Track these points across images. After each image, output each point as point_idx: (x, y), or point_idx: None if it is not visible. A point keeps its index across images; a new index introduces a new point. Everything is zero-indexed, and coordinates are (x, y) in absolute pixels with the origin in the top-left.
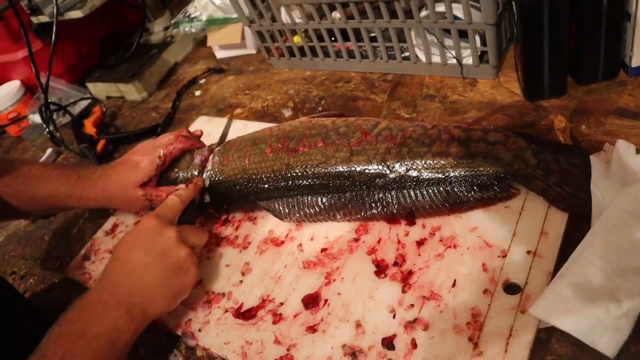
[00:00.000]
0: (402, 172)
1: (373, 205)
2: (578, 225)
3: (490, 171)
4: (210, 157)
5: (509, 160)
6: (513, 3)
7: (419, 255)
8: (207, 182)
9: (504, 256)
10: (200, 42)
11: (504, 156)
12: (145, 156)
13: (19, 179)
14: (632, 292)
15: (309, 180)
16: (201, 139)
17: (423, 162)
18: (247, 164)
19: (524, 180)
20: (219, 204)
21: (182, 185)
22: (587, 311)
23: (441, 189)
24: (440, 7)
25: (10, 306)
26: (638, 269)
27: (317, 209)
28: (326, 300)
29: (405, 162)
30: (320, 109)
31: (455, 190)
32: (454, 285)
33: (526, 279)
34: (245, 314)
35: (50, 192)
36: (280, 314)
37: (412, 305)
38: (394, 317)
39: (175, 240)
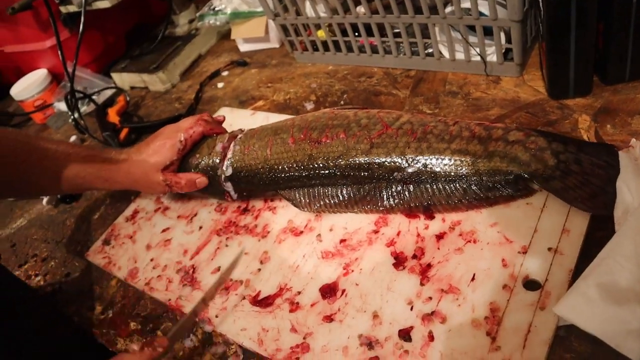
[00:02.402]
0: (420, 167)
1: (391, 198)
2: (600, 223)
3: (508, 171)
4: (232, 145)
5: (527, 161)
6: (540, 0)
7: (438, 248)
8: (230, 171)
9: (525, 252)
10: (224, 35)
11: (521, 156)
12: (167, 140)
13: (46, 160)
14: None
15: (330, 171)
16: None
17: (441, 158)
18: (268, 154)
19: (542, 180)
20: (240, 192)
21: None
22: (613, 313)
23: (458, 186)
24: (466, 4)
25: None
26: None
27: (337, 200)
28: (344, 291)
29: (424, 157)
30: (342, 102)
31: (473, 188)
32: (473, 279)
33: (546, 276)
34: (263, 302)
35: (78, 173)
36: (298, 303)
37: (430, 298)
38: (411, 309)
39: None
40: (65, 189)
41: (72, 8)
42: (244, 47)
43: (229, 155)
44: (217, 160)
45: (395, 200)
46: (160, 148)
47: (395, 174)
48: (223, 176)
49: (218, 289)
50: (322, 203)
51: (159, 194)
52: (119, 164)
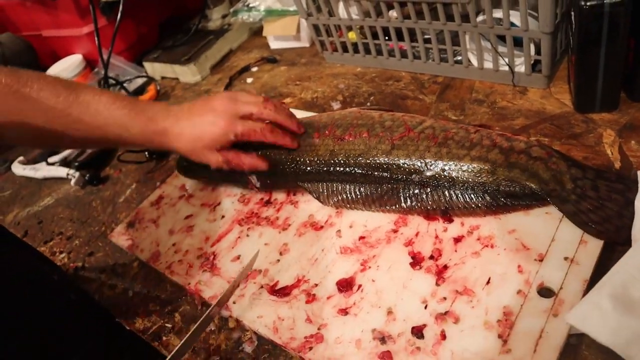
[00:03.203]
0: (439, 171)
1: (408, 199)
2: None
3: (526, 185)
4: None
5: (547, 179)
6: (572, 13)
7: (455, 251)
8: None
9: (541, 260)
10: (256, 31)
11: (542, 174)
12: (223, 123)
13: (88, 115)
14: None
15: (350, 169)
16: None
17: (460, 164)
18: None
19: (557, 201)
20: (263, 181)
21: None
22: (625, 324)
23: (475, 192)
24: (498, 13)
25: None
26: None
27: (355, 197)
28: (360, 286)
29: (443, 162)
30: (368, 104)
31: (489, 195)
32: (488, 282)
33: (561, 284)
34: (280, 292)
35: (122, 133)
36: (314, 295)
37: (445, 299)
38: (425, 307)
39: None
40: (96, 146)
41: None
42: (274, 45)
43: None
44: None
45: (413, 202)
46: (209, 128)
47: (414, 176)
48: None
49: (233, 291)
50: (340, 198)
51: (212, 165)
52: (165, 130)
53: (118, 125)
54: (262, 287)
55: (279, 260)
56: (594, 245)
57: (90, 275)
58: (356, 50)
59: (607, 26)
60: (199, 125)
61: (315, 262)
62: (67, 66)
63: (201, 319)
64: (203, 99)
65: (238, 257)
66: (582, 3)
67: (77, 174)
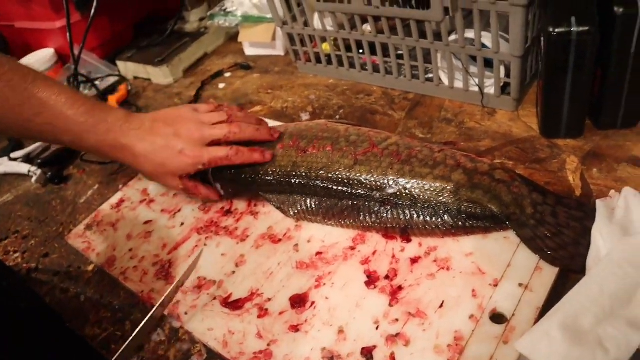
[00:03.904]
0: (400, 189)
1: (368, 216)
2: None
3: (487, 207)
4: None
5: (508, 202)
6: (542, 38)
7: (411, 272)
8: (211, 169)
9: (495, 285)
10: (232, 36)
11: (504, 197)
12: (191, 154)
13: (41, 116)
14: (620, 342)
15: (311, 182)
16: None
17: (423, 183)
18: None
19: (516, 225)
20: (225, 188)
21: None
22: (573, 355)
23: (436, 211)
24: (470, 34)
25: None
26: (629, 320)
27: (315, 210)
28: (313, 303)
29: (405, 180)
30: (337, 117)
31: (450, 215)
32: (441, 306)
33: (514, 311)
34: (233, 304)
35: (76, 141)
36: (267, 309)
37: (397, 320)
38: (377, 328)
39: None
40: (61, 145)
41: None
42: (249, 51)
43: None
44: None
45: (373, 219)
46: (176, 157)
47: (375, 193)
48: (210, 170)
49: (176, 291)
50: (300, 210)
51: (169, 189)
52: (126, 146)
53: (73, 133)
54: (215, 298)
55: (234, 272)
56: (549, 273)
57: (43, 277)
58: (329, 62)
59: (574, 54)
60: (163, 151)
61: (271, 275)
62: (38, 59)
63: (144, 321)
64: (165, 116)
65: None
66: (551, 30)
67: (39, 172)
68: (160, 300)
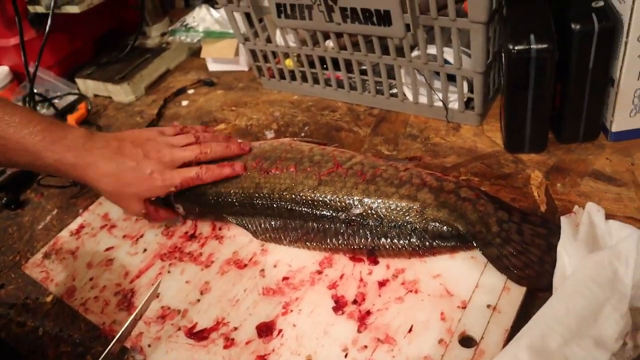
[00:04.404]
0: (366, 209)
1: (334, 237)
2: None
3: (454, 226)
4: None
5: (474, 221)
6: (502, 55)
7: (379, 296)
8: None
9: (464, 307)
10: (195, 52)
11: (470, 215)
12: (161, 177)
13: None
14: None
15: (275, 203)
16: None
17: (389, 202)
18: None
19: (481, 244)
20: (188, 210)
21: None
22: None
23: (403, 231)
24: (432, 50)
25: None
26: (595, 339)
27: (280, 232)
28: (280, 331)
29: (371, 200)
30: (302, 134)
31: (417, 235)
32: (410, 330)
33: (482, 334)
34: (198, 335)
35: (34, 161)
36: (233, 339)
37: (366, 347)
38: (345, 356)
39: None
40: (15, 167)
41: (40, 9)
42: (212, 67)
43: None
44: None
45: (339, 241)
46: (147, 179)
47: (340, 213)
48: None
49: (135, 324)
50: (263, 230)
51: (127, 213)
52: (88, 166)
53: (30, 153)
54: (179, 329)
55: (199, 300)
56: (517, 293)
57: None
58: (293, 78)
59: (534, 70)
60: (132, 172)
61: (237, 303)
62: None
63: (101, 356)
64: (132, 137)
65: (157, 296)
66: (510, 47)
67: None
68: (118, 335)
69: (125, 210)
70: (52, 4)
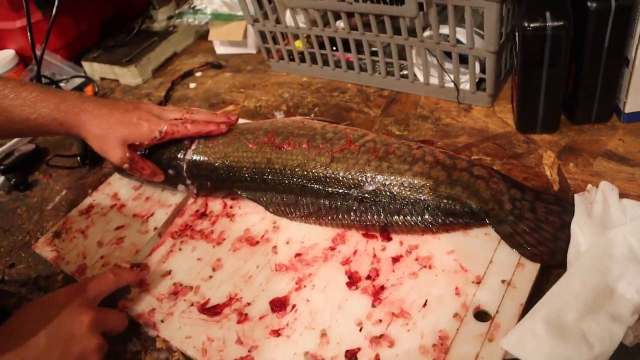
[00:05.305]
0: (379, 186)
1: (346, 214)
2: None
3: (467, 203)
4: (197, 138)
5: (486, 199)
6: (516, 34)
7: (393, 271)
8: (191, 162)
9: (478, 282)
10: (202, 35)
11: (483, 193)
12: (145, 122)
13: None
14: (603, 337)
15: (287, 179)
16: None
17: (402, 179)
18: (229, 151)
19: (494, 221)
20: (199, 186)
21: (127, 266)
22: (558, 350)
23: (416, 208)
24: (444, 30)
25: None
26: (611, 314)
27: (291, 209)
28: (294, 306)
29: (383, 177)
30: (312, 115)
31: (430, 211)
32: (424, 305)
33: (497, 308)
34: (211, 310)
35: (29, 114)
36: (246, 314)
37: (380, 321)
38: (360, 330)
39: (87, 327)
40: (16, 134)
41: None
42: (220, 50)
43: (193, 147)
44: (182, 150)
45: (352, 217)
46: (134, 124)
47: (353, 190)
48: (185, 167)
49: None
50: (275, 205)
51: (111, 161)
52: (80, 112)
53: (26, 106)
54: (192, 305)
55: (211, 277)
56: (531, 269)
57: (10, 288)
58: (302, 60)
59: (549, 49)
60: (121, 115)
61: (249, 279)
62: None
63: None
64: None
65: (169, 273)
66: (525, 25)
67: (1, 178)
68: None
69: (109, 157)
70: None
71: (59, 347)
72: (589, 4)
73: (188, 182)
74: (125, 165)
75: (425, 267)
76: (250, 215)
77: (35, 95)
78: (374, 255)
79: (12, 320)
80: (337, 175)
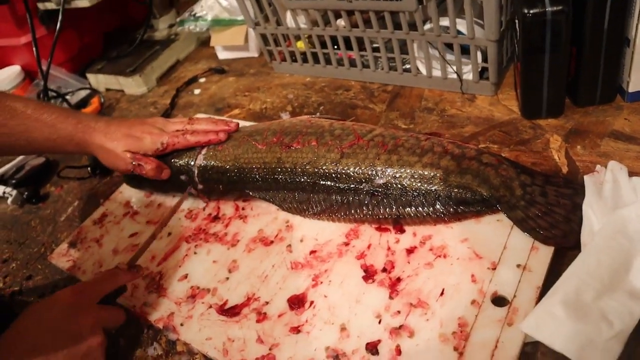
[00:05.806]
0: (389, 179)
1: (358, 209)
2: None
3: (477, 191)
4: None
5: (497, 185)
6: (516, 21)
7: (408, 262)
8: (201, 166)
9: (494, 268)
10: (204, 41)
11: (493, 180)
12: (150, 135)
13: (15, 119)
14: (622, 313)
15: (298, 177)
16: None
17: (412, 171)
18: (239, 153)
19: (506, 207)
20: (210, 189)
21: (124, 266)
22: (577, 330)
23: (427, 199)
24: (444, 22)
25: None
26: (629, 291)
27: (304, 206)
28: (312, 302)
29: (393, 169)
30: (318, 114)
31: (441, 201)
32: (442, 294)
33: (514, 292)
34: (229, 311)
35: (50, 135)
36: (265, 313)
37: (399, 312)
38: (379, 322)
39: (91, 325)
40: (35, 152)
41: (50, 5)
42: (222, 55)
43: (203, 152)
44: (193, 156)
45: (364, 211)
46: (138, 137)
47: (364, 185)
48: (196, 172)
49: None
50: (288, 203)
51: (121, 170)
52: (94, 131)
53: (46, 127)
54: (210, 307)
55: (228, 278)
56: (545, 252)
57: (28, 300)
58: (305, 60)
59: (549, 34)
60: (128, 130)
61: (266, 279)
62: (4, 78)
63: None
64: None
65: (186, 276)
66: (525, 11)
67: (14, 192)
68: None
69: (117, 167)
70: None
71: (66, 346)
72: None
73: (200, 186)
74: (131, 168)
75: (440, 256)
76: (263, 216)
77: (55, 117)
78: (388, 248)
79: (19, 321)
80: (348, 171)
